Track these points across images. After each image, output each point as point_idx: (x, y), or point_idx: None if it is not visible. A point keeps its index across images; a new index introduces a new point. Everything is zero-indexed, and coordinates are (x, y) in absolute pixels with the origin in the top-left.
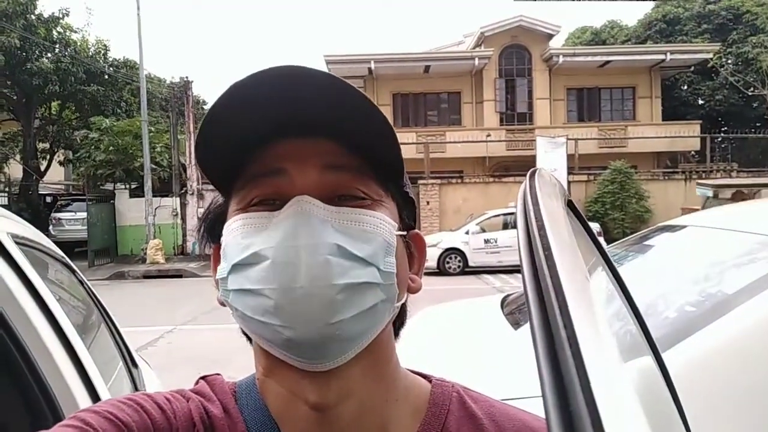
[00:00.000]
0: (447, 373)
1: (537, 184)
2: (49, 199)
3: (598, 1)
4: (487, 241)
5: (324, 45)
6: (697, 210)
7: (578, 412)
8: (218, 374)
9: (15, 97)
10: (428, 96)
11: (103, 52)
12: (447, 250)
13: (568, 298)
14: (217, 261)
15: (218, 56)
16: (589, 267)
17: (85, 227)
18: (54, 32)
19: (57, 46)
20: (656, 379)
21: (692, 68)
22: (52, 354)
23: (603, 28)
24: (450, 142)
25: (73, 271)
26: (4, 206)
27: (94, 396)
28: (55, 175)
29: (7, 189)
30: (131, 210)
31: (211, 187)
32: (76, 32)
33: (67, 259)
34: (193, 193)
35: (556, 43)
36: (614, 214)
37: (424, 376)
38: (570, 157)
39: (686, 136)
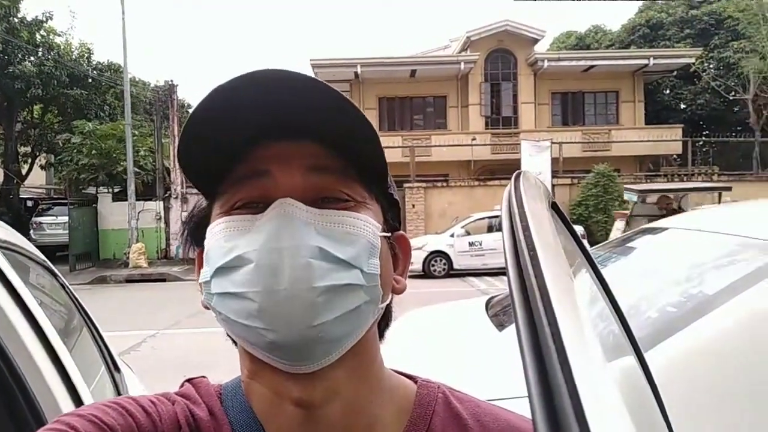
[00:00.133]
0: (432, 374)
1: (522, 186)
2: (30, 203)
3: (586, 1)
4: (471, 244)
5: (310, 48)
6: (626, 214)
7: (564, 411)
8: (204, 377)
9: None
10: (414, 100)
11: (86, 55)
12: (432, 253)
13: (553, 298)
14: (201, 265)
15: (203, 60)
16: (573, 268)
17: (67, 231)
18: (37, 35)
19: (40, 49)
20: (639, 378)
21: (675, 73)
22: (34, 358)
23: (587, 33)
24: (435, 146)
25: (55, 275)
26: None
27: (77, 400)
28: (37, 179)
29: None
30: (114, 214)
31: (195, 190)
32: (59, 36)
33: (49, 262)
34: (177, 197)
35: (541, 47)
36: (597, 217)
37: (410, 377)
38: (554, 161)
39: (668, 140)
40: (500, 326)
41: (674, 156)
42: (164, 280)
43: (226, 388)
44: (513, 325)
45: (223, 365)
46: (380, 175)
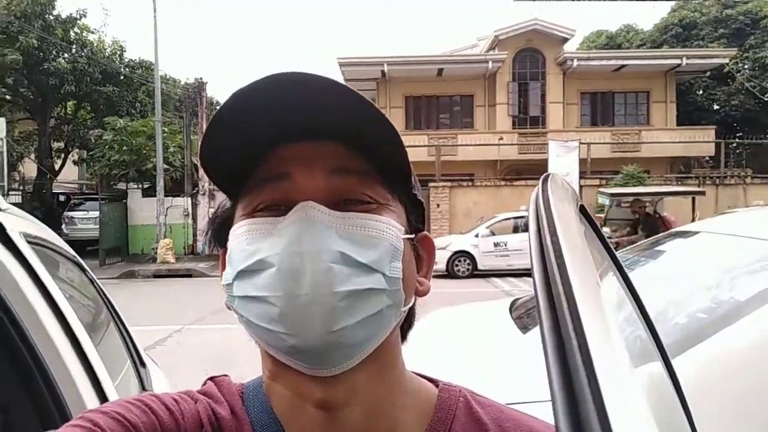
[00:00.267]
0: (454, 376)
1: (549, 189)
2: (62, 198)
3: (613, 1)
4: (496, 245)
5: (338, 47)
6: (600, 218)
7: (588, 418)
8: (226, 375)
9: (32, 97)
10: (441, 99)
11: (119, 52)
12: (456, 253)
13: (579, 304)
14: (224, 266)
15: (232, 58)
16: (600, 272)
17: (98, 226)
18: (71, 33)
19: (74, 46)
20: (665, 385)
21: (708, 73)
22: (60, 352)
23: (618, 32)
24: (462, 145)
25: (84, 270)
26: (17, 204)
27: (101, 395)
28: (69, 174)
29: (21, 187)
30: (143, 209)
31: None
32: (92, 33)
33: (79, 258)
34: (204, 194)
35: (571, 46)
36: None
37: (431, 380)
38: (582, 162)
39: (701, 141)
40: (524, 329)
41: (706, 158)
42: (191, 276)
43: (248, 388)
44: (537, 328)
45: (247, 362)
46: (404, 175)
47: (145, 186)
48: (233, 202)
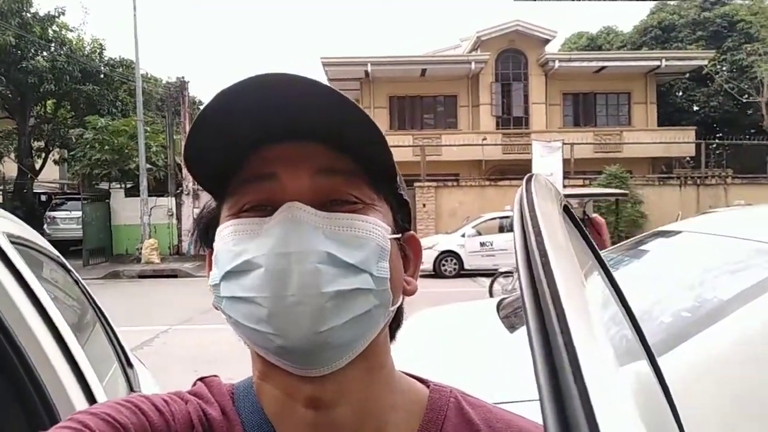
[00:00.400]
0: (442, 375)
1: (533, 189)
2: (43, 198)
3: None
4: (482, 244)
5: (321, 46)
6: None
7: (575, 417)
8: (216, 376)
9: (10, 95)
10: (425, 99)
11: (98, 51)
12: (443, 252)
13: (565, 303)
14: (211, 266)
15: (215, 57)
16: (585, 271)
17: (80, 226)
18: (50, 31)
19: (52, 44)
20: (651, 383)
21: (687, 75)
22: (47, 353)
23: (599, 34)
24: (446, 145)
25: (68, 271)
26: None
27: (89, 395)
28: (50, 174)
29: (1, 187)
30: (126, 209)
31: None
32: (71, 31)
33: (63, 258)
34: (188, 193)
35: (553, 48)
36: (609, 219)
37: (421, 381)
38: (566, 162)
39: (681, 142)
40: (511, 328)
41: (687, 158)
42: (176, 276)
43: (238, 388)
44: (524, 327)
45: (235, 362)
46: (389, 175)
47: (128, 186)
48: (218, 202)
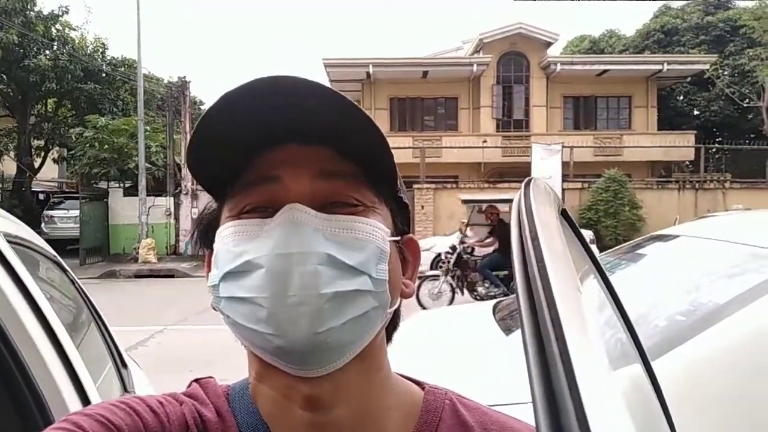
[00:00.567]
0: (438, 377)
1: (532, 193)
2: (42, 197)
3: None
4: None
5: (323, 48)
6: (464, 223)
7: (567, 421)
8: (211, 377)
9: (11, 94)
10: (425, 101)
11: (101, 50)
12: (440, 254)
13: (560, 309)
14: (210, 267)
15: (217, 57)
16: (581, 275)
17: (78, 225)
18: (53, 29)
19: (55, 43)
20: (645, 387)
21: (689, 79)
22: (41, 354)
23: (601, 37)
24: (446, 147)
25: (65, 270)
26: None
27: (83, 396)
28: (49, 173)
29: (0, 185)
30: (125, 209)
31: None
32: (74, 30)
33: (59, 257)
34: (187, 193)
35: (555, 51)
36: (607, 222)
37: (417, 383)
38: (565, 165)
39: (681, 146)
40: (507, 331)
41: (686, 162)
42: (173, 276)
43: (233, 390)
44: (520, 330)
45: (230, 363)
46: (390, 179)
47: (127, 185)
48: (219, 203)
